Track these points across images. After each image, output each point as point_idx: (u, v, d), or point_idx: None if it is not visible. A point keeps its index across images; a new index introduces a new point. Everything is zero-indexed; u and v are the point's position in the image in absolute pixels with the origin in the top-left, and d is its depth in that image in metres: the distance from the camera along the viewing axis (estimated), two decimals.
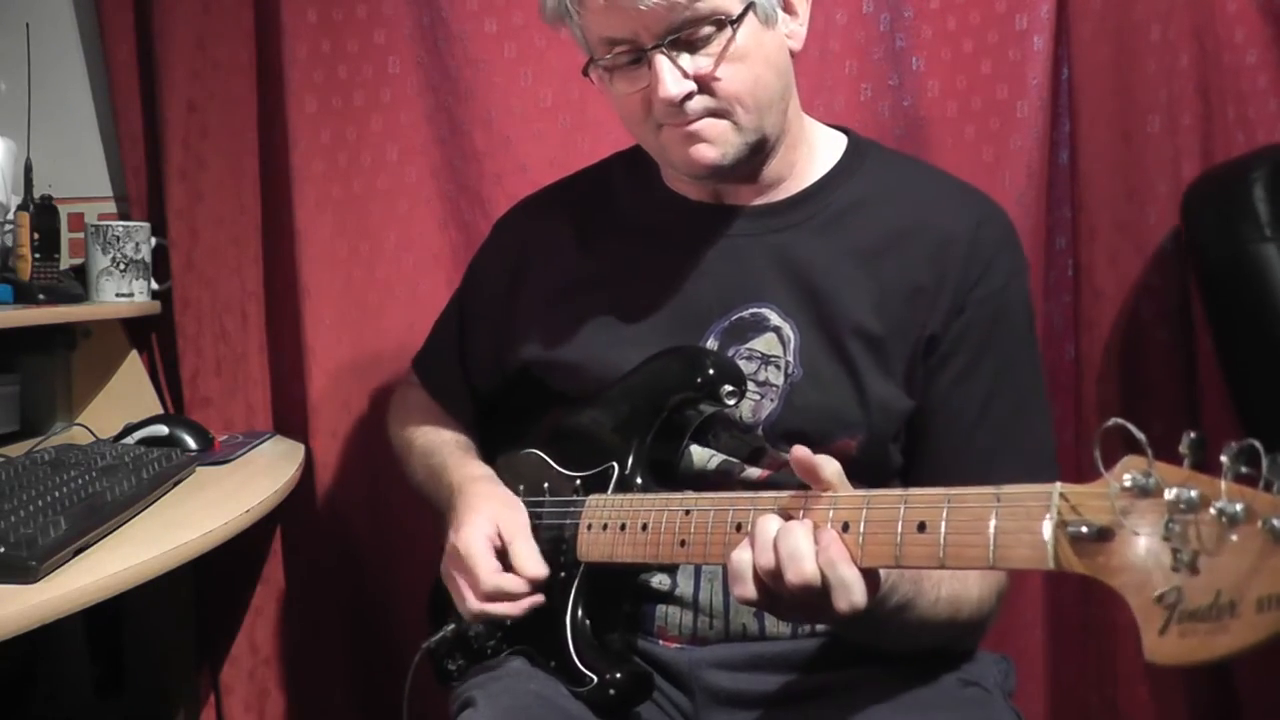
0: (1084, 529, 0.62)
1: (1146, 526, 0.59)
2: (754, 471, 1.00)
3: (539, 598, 0.98)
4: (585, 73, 1.01)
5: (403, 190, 1.63)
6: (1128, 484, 0.60)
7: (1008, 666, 1.05)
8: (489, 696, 0.97)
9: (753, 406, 1.00)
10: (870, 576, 0.76)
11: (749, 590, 0.78)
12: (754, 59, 0.95)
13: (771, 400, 0.99)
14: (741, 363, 1.00)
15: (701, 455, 1.02)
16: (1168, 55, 1.47)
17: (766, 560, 0.77)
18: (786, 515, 0.78)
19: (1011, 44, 1.52)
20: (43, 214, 1.53)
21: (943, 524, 0.70)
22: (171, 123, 1.61)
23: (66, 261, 1.66)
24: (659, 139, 1.00)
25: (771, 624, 1.00)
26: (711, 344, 1.02)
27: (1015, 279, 1.02)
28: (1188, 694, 1.49)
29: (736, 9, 0.94)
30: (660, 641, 1.02)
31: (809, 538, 0.76)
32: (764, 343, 1.00)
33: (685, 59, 0.94)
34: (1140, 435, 0.59)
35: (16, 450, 1.37)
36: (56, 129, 1.70)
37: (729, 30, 0.93)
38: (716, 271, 1.04)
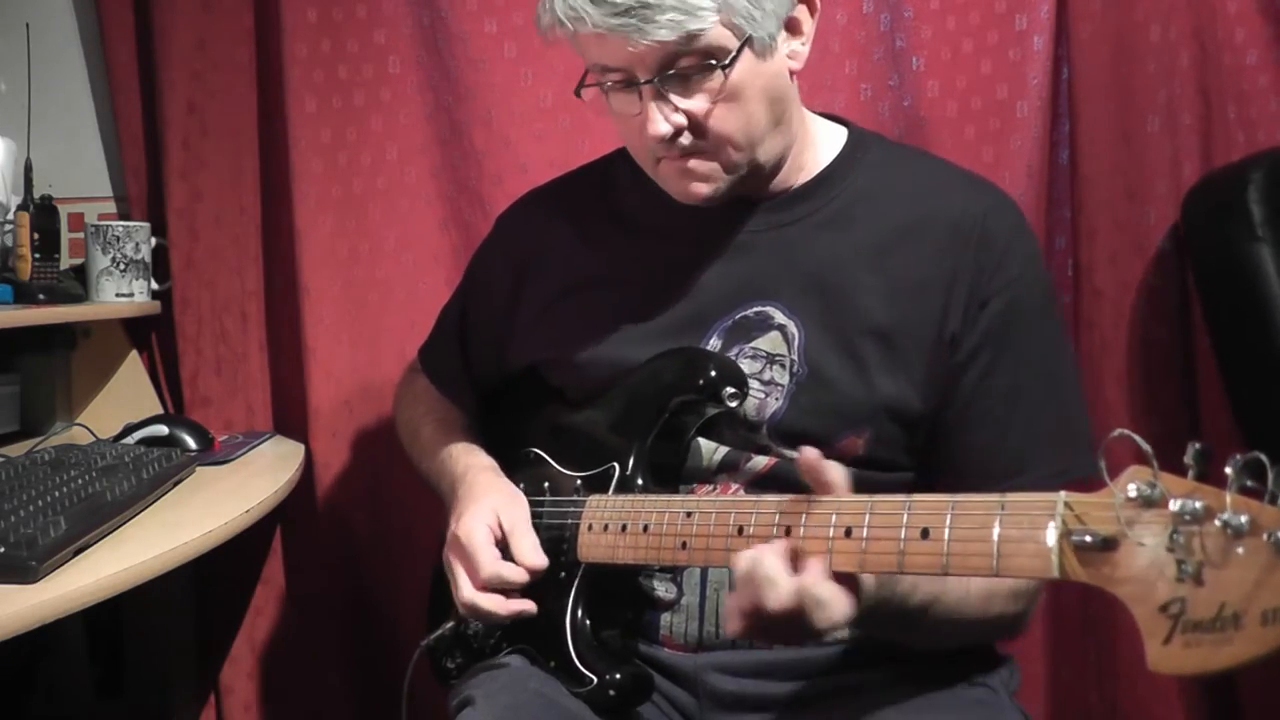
0: (1088, 538, 0.62)
1: (1151, 537, 0.59)
2: (759, 460, 0.99)
3: (528, 605, 0.97)
4: (578, 93, 0.99)
5: (403, 190, 1.63)
6: (1132, 494, 0.60)
7: (1012, 666, 1.05)
8: (488, 695, 0.97)
9: (758, 404, 0.98)
10: (849, 585, 0.75)
11: (736, 626, 0.78)
12: (748, 96, 0.94)
13: (777, 399, 0.98)
14: (745, 361, 0.99)
15: (706, 448, 1.01)
16: (1168, 55, 1.47)
17: (747, 594, 0.76)
18: (786, 523, 0.78)
19: (1011, 44, 1.52)
20: (43, 214, 1.53)
21: (946, 530, 0.69)
22: (171, 123, 1.62)
23: (66, 261, 1.66)
24: (656, 169, 1.00)
25: None
26: (715, 342, 1.01)
27: (1031, 265, 1.00)
28: (1188, 694, 1.49)
29: (732, 46, 0.92)
30: (665, 649, 1.01)
31: (781, 561, 0.75)
32: (768, 341, 0.99)
33: (677, 96, 0.93)
34: (1146, 446, 0.59)
35: (16, 450, 1.37)
36: (56, 129, 1.70)
37: (720, 72, 0.92)
38: (720, 269, 1.03)
